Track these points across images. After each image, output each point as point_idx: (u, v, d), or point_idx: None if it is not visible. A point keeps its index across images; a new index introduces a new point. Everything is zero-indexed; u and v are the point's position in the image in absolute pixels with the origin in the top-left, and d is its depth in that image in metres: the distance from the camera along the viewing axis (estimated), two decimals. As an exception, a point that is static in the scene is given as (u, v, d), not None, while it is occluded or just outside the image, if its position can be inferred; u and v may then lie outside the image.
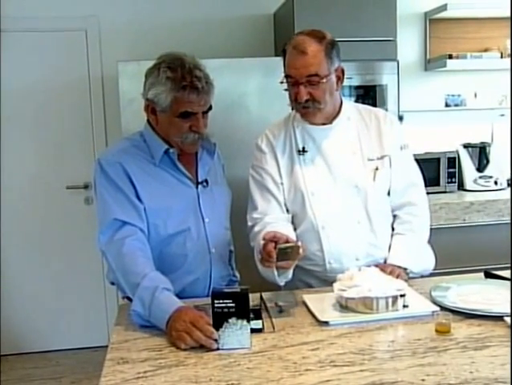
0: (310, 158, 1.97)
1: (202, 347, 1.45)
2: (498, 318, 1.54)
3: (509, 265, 2.04)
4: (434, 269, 2.09)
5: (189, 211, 1.92)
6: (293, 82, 1.84)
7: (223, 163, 2.17)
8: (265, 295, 1.83)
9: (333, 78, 1.86)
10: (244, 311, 1.43)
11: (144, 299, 1.59)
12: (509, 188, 3.82)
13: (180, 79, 1.78)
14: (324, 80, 1.82)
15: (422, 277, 1.99)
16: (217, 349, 1.44)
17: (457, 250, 3.37)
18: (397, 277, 1.82)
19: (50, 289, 3.93)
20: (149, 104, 1.87)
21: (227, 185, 2.14)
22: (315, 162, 1.96)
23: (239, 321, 1.43)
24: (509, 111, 3.85)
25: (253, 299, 1.79)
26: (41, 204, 3.87)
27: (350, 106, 2.03)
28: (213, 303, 1.43)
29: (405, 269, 1.92)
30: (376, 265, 1.84)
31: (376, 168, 1.95)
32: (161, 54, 1.90)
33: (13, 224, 3.85)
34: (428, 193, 2.13)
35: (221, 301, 1.43)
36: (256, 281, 1.89)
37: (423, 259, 2.02)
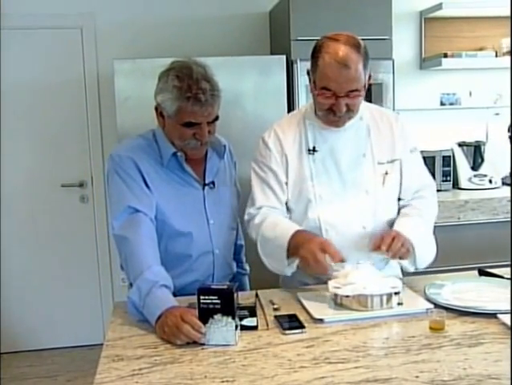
0: (320, 158, 1.93)
1: (195, 343, 1.46)
2: (492, 315, 1.55)
3: (503, 263, 2.05)
4: (429, 267, 2.08)
5: (195, 212, 1.94)
6: (330, 94, 1.78)
7: (235, 160, 2.17)
8: (260, 293, 1.84)
9: (366, 85, 1.83)
10: (229, 308, 1.44)
11: (142, 290, 1.62)
12: (503, 187, 3.84)
13: (185, 90, 1.78)
14: (362, 92, 1.80)
15: (415, 274, 1.98)
16: (203, 344, 1.45)
17: (451, 248, 3.38)
18: (402, 245, 1.74)
19: (45, 288, 3.93)
20: (158, 107, 1.89)
21: (237, 184, 2.15)
22: (325, 163, 1.93)
23: (224, 317, 1.44)
24: (510, 108, 3.85)
25: (249, 297, 1.80)
26: (36, 202, 3.87)
27: (362, 105, 1.96)
28: (198, 299, 1.45)
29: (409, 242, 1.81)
30: (382, 237, 1.77)
31: (386, 173, 1.93)
32: (159, 56, 1.91)
33: (8, 223, 3.84)
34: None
35: (206, 298, 1.44)
36: (266, 274, 1.90)
37: (426, 245, 1.92)
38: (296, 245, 1.77)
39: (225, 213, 2.02)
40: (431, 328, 1.50)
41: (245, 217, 1.99)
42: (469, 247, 3.44)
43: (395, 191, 1.97)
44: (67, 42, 3.75)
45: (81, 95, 3.82)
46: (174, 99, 1.80)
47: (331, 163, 1.93)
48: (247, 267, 2.24)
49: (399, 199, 1.99)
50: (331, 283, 1.69)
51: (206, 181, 1.97)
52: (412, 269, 1.90)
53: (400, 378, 1.24)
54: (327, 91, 1.78)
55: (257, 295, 1.81)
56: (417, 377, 1.25)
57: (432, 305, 1.63)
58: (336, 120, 1.87)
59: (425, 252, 1.91)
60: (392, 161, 1.94)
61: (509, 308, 1.57)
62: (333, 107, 1.80)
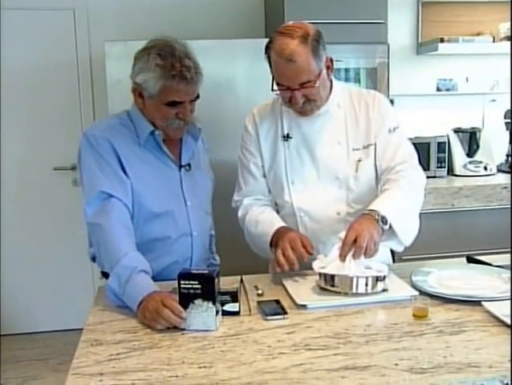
0: (294, 145, 1.93)
1: (175, 328, 1.45)
2: (477, 303, 1.53)
3: (496, 250, 2.04)
4: (421, 254, 2.05)
5: (172, 193, 1.92)
6: (285, 88, 1.79)
7: (207, 148, 2.16)
8: (245, 278, 1.82)
9: (324, 72, 1.80)
10: (210, 293, 1.43)
11: (121, 277, 1.60)
12: (498, 174, 3.81)
13: (169, 68, 1.75)
14: (317, 82, 1.77)
15: (403, 260, 1.96)
16: (184, 329, 1.44)
17: (445, 235, 3.37)
18: (365, 250, 1.63)
19: (37, 271, 3.92)
20: (137, 88, 1.85)
21: (210, 171, 2.14)
22: (299, 150, 1.93)
23: (205, 303, 1.43)
24: (509, 95, 3.81)
25: (233, 282, 1.78)
26: (28, 185, 3.85)
27: (342, 90, 1.94)
28: (179, 284, 1.44)
29: (384, 220, 1.70)
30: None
31: (359, 160, 1.90)
32: (152, 37, 1.86)
33: None
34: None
35: (187, 282, 1.43)
36: (237, 265, 1.89)
37: (406, 219, 1.80)
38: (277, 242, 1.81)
39: (201, 196, 2.01)
40: (414, 315, 1.49)
41: (232, 204, 2.04)
42: (463, 234, 3.42)
43: (370, 177, 1.92)
44: (58, 23, 3.71)
45: (73, 78, 3.78)
46: (158, 78, 1.77)
47: (304, 150, 1.93)
48: (217, 258, 2.20)
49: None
50: (315, 264, 1.68)
51: (182, 163, 1.95)
52: (400, 249, 1.85)
53: (378, 366, 1.23)
54: (281, 86, 1.79)
55: (241, 280, 1.79)
56: (397, 365, 1.24)
57: (417, 292, 1.61)
58: (301, 111, 1.86)
59: (406, 226, 1.80)
60: (368, 146, 1.90)
61: (494, 295, 1.56)
62: (291, 100, 1.80)
